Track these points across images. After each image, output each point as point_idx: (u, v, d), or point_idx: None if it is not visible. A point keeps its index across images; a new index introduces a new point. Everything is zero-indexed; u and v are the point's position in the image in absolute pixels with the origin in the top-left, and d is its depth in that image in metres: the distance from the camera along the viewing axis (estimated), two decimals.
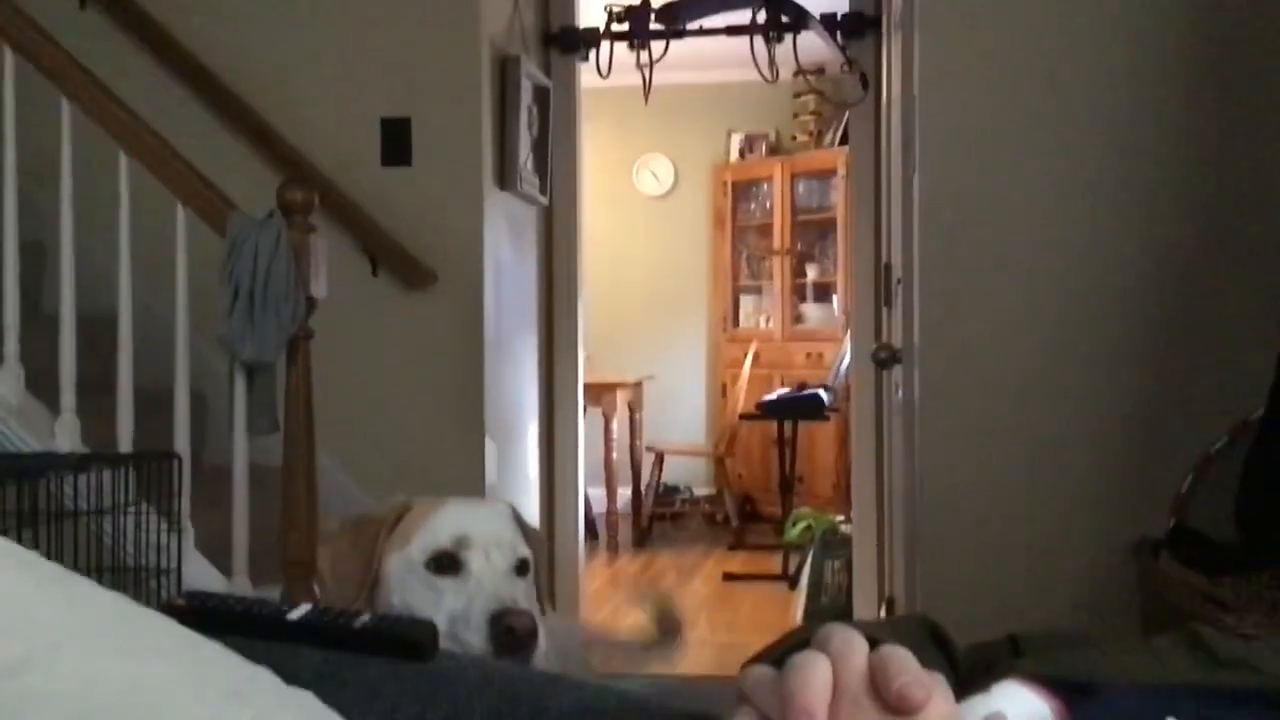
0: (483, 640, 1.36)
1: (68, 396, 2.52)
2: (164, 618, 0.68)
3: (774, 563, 5.31)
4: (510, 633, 1.36)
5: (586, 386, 4.35)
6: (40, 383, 2.57)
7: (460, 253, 3.39)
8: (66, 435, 2.50)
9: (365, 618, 0.94)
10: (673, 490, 6.78)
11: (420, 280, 3.37)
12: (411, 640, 0.93)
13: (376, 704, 0.71)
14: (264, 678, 0.67)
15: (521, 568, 1.48)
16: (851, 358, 4.38)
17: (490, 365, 3.43)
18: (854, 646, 0.57)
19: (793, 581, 4.75)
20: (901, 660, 0.56)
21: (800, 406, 5.91)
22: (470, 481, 3.37)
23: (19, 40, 2.55)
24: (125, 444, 2.48)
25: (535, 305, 4.00)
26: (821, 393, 5.90)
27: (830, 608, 4.12)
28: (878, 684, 0.55)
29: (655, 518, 6.41)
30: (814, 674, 0.56)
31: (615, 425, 6.01)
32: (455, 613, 1.40)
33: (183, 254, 2.54)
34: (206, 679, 0.63)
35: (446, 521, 1.48)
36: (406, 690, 0.85)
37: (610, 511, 6.01)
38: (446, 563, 1.43)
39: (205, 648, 0.66)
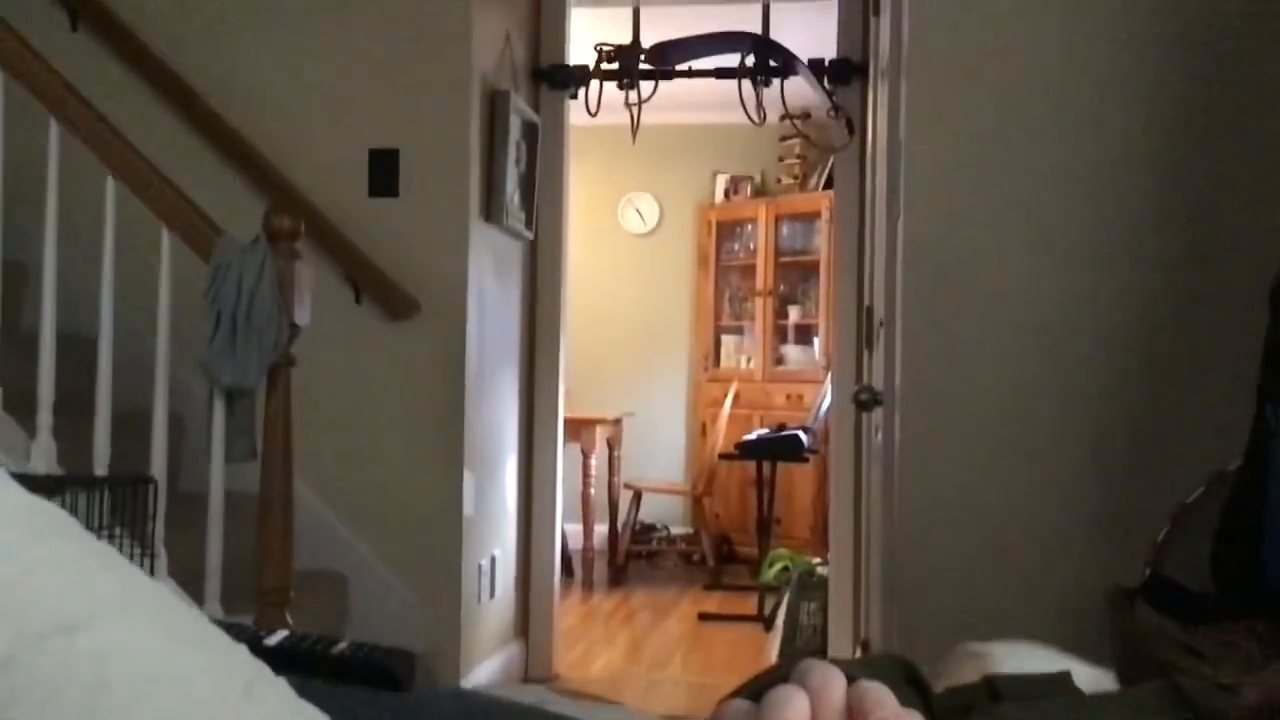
0: None
1: (45, 417, 2.50)
2: (198, 612, 0.71)
3: (750, 603, 5.29)
4: None
5: (566, 422, 4.35)
6: (16, 401, 2.55)
7: (444, 284, 3.40)
8: (42, 457, 2.48)
9: (343, 645, 0.94)
10: (649, 529, 6.76)
11: (403, 310, 3.37)
12: (390, 670, 0.92)
13: None
14: (280, 682, 0.69)
15: None
16: (831, 400, 4.39)
17: (471, 397, 3.43)
18: (832, 682, 0.57)
19: (768, 623, 4.73)
20: (879, 696, 0.55)
21: (779, 448, 5.92)
22: (448, 513, 3.36)
23: (9, 59, 2.55)
24: (101, 467, 2.46)
25: (517, 339, 4.00)
26: (801, 434, 5.91)
27: (805, 649, 4.11)
28: None
29: (631, 556, 6.39)
30: (792, 709, 0.55)
31: (594, 461, 6.00)
32: None
33: (166, 277, 2.54)
34: (230, 673, 0.65)
35: None
36: (384, 719, 0.84)
37: (586, 548, 5.99)
38: None
39: (230, 645, 0.69)
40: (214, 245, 2.43)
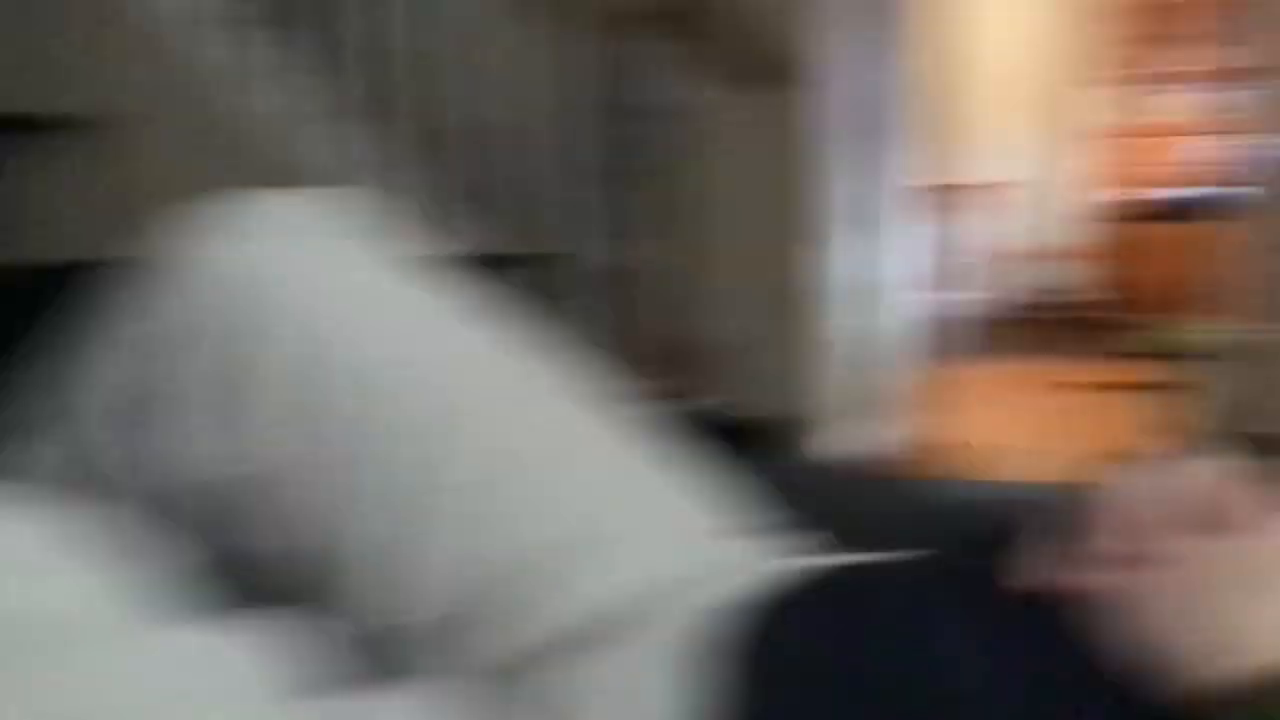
0: None
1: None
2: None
3: (1151, 372, 5.03)
4: None
5: (940, 189, 4.16)
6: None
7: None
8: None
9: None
10: (1046, 292, 6.49)
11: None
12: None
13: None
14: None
15: None
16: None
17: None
18: (1206, 471, 0.57)
19: (1178, 395, 4.48)
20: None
21: (1202, 206, 5.48)
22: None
23: None
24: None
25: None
26: (1223, 192, 5.42)
27: (1224, 430, 3.85)
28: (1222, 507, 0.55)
29: (1024, 322, 6.19)
30: (1155, 492, 0.56)
31: (979, 225, 5.80)
32: None
33: None
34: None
35: None
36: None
37: (965, 315, 5.87)
38: None
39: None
40: None
